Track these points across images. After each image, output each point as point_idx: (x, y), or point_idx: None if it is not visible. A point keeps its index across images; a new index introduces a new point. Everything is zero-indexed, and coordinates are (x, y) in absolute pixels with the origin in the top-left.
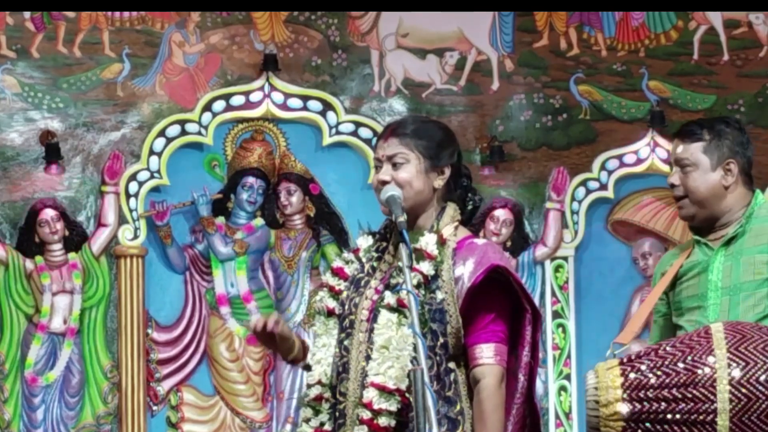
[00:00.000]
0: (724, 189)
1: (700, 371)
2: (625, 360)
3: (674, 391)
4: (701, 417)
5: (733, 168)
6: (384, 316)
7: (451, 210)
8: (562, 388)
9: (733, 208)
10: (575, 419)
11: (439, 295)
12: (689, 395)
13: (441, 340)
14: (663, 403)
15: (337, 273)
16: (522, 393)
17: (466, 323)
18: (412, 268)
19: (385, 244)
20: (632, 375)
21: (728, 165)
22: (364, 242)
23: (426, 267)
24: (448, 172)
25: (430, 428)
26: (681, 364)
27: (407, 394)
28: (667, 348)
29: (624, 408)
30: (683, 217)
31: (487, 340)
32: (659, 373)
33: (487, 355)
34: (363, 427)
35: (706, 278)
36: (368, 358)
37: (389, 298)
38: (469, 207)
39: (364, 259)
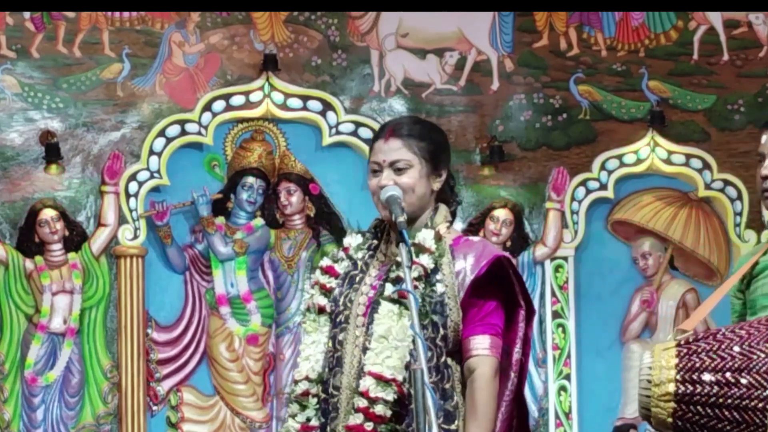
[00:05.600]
0: None
1: (755, 357)
2: (682, 342)
3: (728, 375)
4: (753, 403)
5: None
6: (384, 307)
7: (444, 210)
8: (562, 388)
9: None
10: (575, 419)
11: (440, 288)
12: (743, 381)
13: (441, 332)
14: (716, 387)
15: (328, 271)
16: (512, 391)
17: (463, 315)
18: (412, 262)
19: (376, 242)
20: (687, 357)
21: None
22: (353, 240)
23: (426, 260)
24: (445, 174)
25: (430, 428)
26: (737, 348)
27: (404, 386)
28: (726, 333)
29: (675, 389)
30: None
31: (484, 332)
32: (714, 356)
33: (483, 346)
34: (359, 415)
35: None
36: (365, 350)
37: (390, 290)
38: (452, 208)
39: (356, 257)
